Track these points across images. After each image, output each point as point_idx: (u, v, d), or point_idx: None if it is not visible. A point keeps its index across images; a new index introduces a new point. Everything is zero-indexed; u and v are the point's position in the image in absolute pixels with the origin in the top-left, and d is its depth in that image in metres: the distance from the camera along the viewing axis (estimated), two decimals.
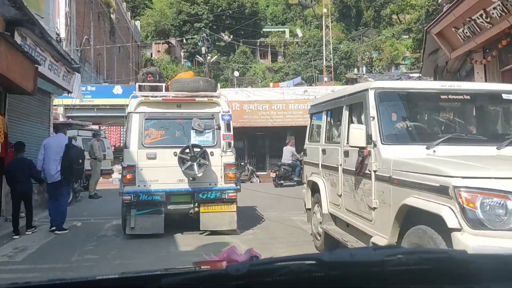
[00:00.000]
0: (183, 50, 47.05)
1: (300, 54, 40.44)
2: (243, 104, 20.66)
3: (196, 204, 7.23)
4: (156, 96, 7.38)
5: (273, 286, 0.97)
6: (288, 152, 16.69)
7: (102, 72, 26.79)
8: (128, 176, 7.05)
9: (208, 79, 8.23)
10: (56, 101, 14.75)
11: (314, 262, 0.99)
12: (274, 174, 16.31)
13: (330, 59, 36.34)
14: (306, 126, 7.45)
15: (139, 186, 7.08)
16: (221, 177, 7.30)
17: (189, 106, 7.43)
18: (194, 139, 7.30)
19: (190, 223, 7.55)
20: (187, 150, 7.04)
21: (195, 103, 7.42)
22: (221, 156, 7.30)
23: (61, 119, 21.00)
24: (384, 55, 40.26)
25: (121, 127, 22.26)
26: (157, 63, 41.59)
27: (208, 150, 7.15)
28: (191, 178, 7.15)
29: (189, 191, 7.24)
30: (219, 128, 7.40)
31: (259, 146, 22.17)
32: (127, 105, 7.69)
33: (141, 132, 7.18)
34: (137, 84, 7.66)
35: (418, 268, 1.03)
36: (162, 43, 49.16)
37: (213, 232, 7.26)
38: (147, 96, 7.34)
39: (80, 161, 8.11)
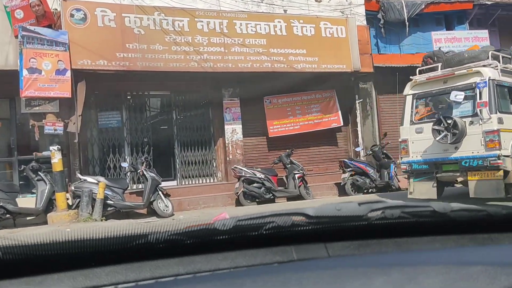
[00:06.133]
0: None
1: None
2: (126, 15, 9.19)
3: (463, 172, 7.73)
4: (420, 78, 8.45)
5: (259, 240, 1.00)
6: None
7: None
8: (403, 149, 8.46)
9: (476, 50, 8.50)
10: None
11: (300, 216, 1.02)
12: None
13: None
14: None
15: (412, 156, 8.33)
16: (482, 145, 7.65)
17: (454, 80, 7.98)
18: (455, 111, 7.94)
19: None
20: (441, 123, 7.78)
21: (460, 76, 7.92)
22: (480, 125, 7.62)
23: None
24: None
25: None
26: None
27: (468, 120, 7.71)
28: (454, 148, 7.78)
29: (453, 160, 7.89)
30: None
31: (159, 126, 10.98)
32: None
33: (412, 111, 8.44)
34: (417, 69, 8.66)
35: (400, 221, 1.09)
36: None
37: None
38: (415, 79, 8.47)
39: None
